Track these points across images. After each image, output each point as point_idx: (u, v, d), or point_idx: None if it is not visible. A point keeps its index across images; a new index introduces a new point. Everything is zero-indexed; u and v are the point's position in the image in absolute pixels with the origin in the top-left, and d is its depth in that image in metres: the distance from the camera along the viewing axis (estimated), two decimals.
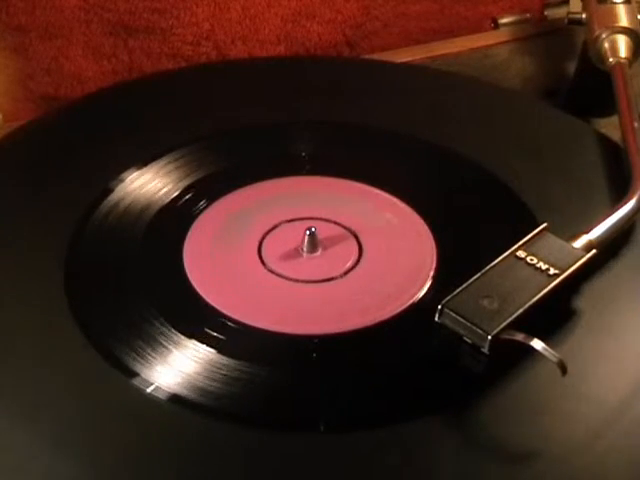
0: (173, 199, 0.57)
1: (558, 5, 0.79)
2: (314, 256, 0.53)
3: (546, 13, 0.79)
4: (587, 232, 0.51)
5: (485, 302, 0.47)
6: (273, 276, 0.52)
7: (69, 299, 0.49)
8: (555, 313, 0.49)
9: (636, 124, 0.59)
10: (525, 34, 0.77)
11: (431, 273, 0.52)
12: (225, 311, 0.49)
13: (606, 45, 0.66)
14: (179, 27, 0.74)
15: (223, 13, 0.74)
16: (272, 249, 0.54)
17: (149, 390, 0.45)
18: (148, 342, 0.47)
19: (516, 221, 0.55)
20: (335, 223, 0.55)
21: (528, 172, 0.59)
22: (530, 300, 0.47)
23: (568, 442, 0.44)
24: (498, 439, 0.44)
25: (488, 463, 0.43)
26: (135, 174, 0.58)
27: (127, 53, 0.73)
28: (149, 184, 0.57)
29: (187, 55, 0.75)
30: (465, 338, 0.46)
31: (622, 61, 0.65)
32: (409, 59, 0.74)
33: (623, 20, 0.67)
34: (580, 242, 0.50)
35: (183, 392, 0.45)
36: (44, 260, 0.52)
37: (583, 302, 0.50)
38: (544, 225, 0.51)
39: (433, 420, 0.44)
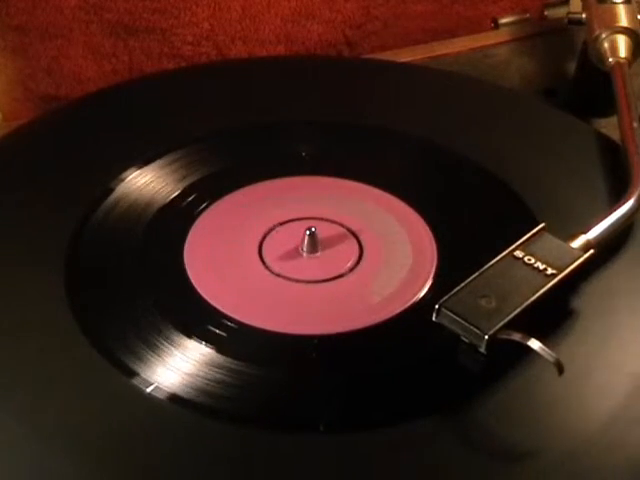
0: (173, 199, 0.57)
1: (558, 5, 0.79)
2: (314, 256, 0.53)
3: (546, 13, 0.79)
4: (585, 232, 0.51)
5: (483, 302, 0.47)
6: (273, 276, 0.52)
7: (69, 299, 0.50)
8: (553, 313, 0.49)
9: (635, 124, 0.59)
10: (525, 34, 0.77)
11: (431, 273, 0.52)
12: (225, 311, 0.50)
13: (606, 45, 0.66)
14: (179, 27, 0.74)
15: (223, 13, 0.74)
16: (272, 249, 0.54)
17: (149, 390, 0.45)
18: (148, 342, 0.47)
19: (516, 221, 0.55)
20: (335, 223, 0.55)
21: (528, 172, 0.59)
22: (527, 300, 0.47)
23: (566, 442, 0.44)
24: (496, 439, 0.44)
25: (486, 463, 0.43)
26: (135, 174, 0.58)
27: (127, 53, 0.73)
28: (149, 184, 0.57)
29: (187, 55, 0.75)
30: (463, 338, 0.46)
31: (622, 61, 0.65)
32: (409, 59, 0.74)
33: (623, 20, 0.67)
34: (578, 242, 0.50)
35: (183, 392, 0.45)
36: (44, 260, 0.52)
37: (581, 302, 0.50)
38: (542, 225, 0.51)
39: (431, 420, 0.44)
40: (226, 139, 0.61)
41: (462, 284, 0.48)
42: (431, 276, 0.52)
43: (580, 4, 0.71)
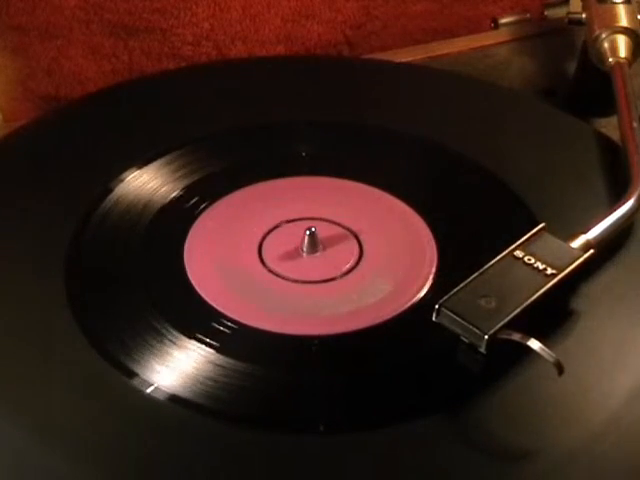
0: (173, 199, 0.57)
1: (558, 5, 0.79)
2: (314, 256, 0.53)
3: (546, 13, 0.79)
4: (585, 232, 0.51)
5: (482, 302, 0.47)
6: (273, 276, 0.52)
7: (69, 299, 0.50)
8: (553, 313, 0.49)
9: (635, 124, 0.59)
10: (525, 34, 0.77)
11: (431, 273, 0.52)
12: (225, 311, 0.50)
13: (606, 45, 0.66)
14: (179, 27, 0.74)
15: (223, 13, 0.74)
16: (272, 249, 0.54)
17: (148, 390, 0.45)
18: (148, 342, 0.47)
19: (516, 221, 0.55)
20: (335, 223, 0.55)
21: (528, 172, 0.59)
22: (527, 300, 0.47)
23: (566, 442, 0.44)
24: (496, 439, 0.44)
25: (486, 463, 0.43)
26: (135, 174, 0.58)
27: (127, 53, 0.73)
28: (149, 184, 0.57)
29: (187, 55, 0.75)
30: (463, 338, 0.46)
31: (622, 61, 0.65)
32: (409, 59, 0.74)
33: (623, 20, 0.67)
34: (578, 242, 0.50)
35: (183, 392, 0.45)
36: (44, 260, 0.52)
37: (581, 302, 0.50)
38: (542, 225, 0.51)
39: (431, 420, 0.44)
40: (226, 139, 0.61)
41: (462, 284, 0.48)
42: (431, 276, 0.52)
43: (580, 4, 0.71)
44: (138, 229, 0.54)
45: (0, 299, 0.50)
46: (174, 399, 0.45)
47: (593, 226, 0.51)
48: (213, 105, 0.64)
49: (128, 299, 0.50)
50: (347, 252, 0.54)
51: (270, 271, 0.52)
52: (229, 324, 0.49)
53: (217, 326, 0.49)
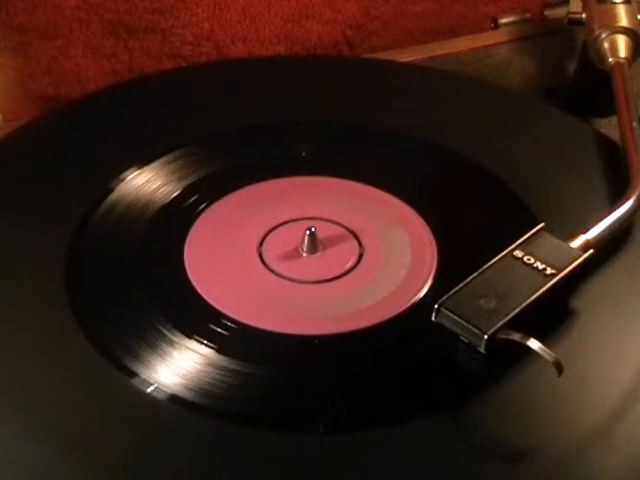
0: (173, 199, 0.57)
1: (558, 5, 0.79)
2: (314, 256, 0.53)
3: (546, 13, 0.79)
4: (584, 232, 0.51)
5: (482, 302, 0.47)
6: (273, 276, 0.52)
7: (69, 299, 0.50)
8: (552, 313, 0.49)
9: (635, 124, 0.59)
10: (525, 34, 0.77)
11: (431, 273, 0.52)
12: (225, 311, 0.50)
13: (606, 45, 0.66)
14: (179, 27, 0.74)
15: (223, 13, 0.74)
16: (272, 249, 0.54)
17: (149, 390, 0.45)
18: (148, 342, 0.47)
19: (516, 221, 0.55)
20: (335, 223, 0.55)
21: (528, 172, 0.59)
22: (527, 300, 0.47)
23: (566, 442, 0.44)
24: (495, 439, 0.44)
25: (485, 463, 0.43)
26: (135, 174, 0.58)
27: (127, 53, 0.73)
28: (149, 184, 0.57)
29: (187, 55, 0.75)
30: (462, 338, 0.46)
31: (621, 61, 0.65)
32: (409, 59, 0.74)
33: (623, 20, 0.67)
34: (577, 242, 0.50)
35: (183, 392, 0.45)
36: (44, 260, 0.52)
37: (580, 302, 0.50)
38: (541, 225, 0.51)
39: (431, 420, 0.44)
40: (226, 139, 0.61)
41: (462, 284, 0.48)
42: (431, 276, 0.52)
43: (580, 4, 0.71)
44: (138, 229, 0.54)
45: (0, 299, 0.50)
46: (174, 399, 0.45)
47: (592, 226, 0.52)
48: (213, 105, 0.64)
49: (128, 299, 0.50)
50: (347, 252, 0.54)
51: (270, 271, 0.52)
52: (229, 324, 0.49)
53: (217, 326, 0.49)
